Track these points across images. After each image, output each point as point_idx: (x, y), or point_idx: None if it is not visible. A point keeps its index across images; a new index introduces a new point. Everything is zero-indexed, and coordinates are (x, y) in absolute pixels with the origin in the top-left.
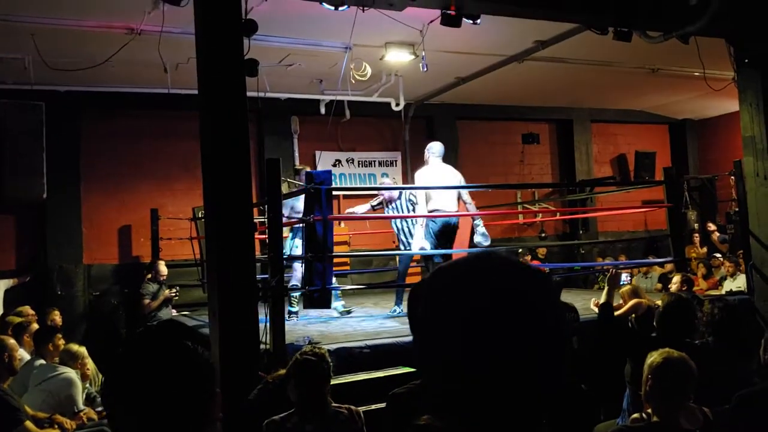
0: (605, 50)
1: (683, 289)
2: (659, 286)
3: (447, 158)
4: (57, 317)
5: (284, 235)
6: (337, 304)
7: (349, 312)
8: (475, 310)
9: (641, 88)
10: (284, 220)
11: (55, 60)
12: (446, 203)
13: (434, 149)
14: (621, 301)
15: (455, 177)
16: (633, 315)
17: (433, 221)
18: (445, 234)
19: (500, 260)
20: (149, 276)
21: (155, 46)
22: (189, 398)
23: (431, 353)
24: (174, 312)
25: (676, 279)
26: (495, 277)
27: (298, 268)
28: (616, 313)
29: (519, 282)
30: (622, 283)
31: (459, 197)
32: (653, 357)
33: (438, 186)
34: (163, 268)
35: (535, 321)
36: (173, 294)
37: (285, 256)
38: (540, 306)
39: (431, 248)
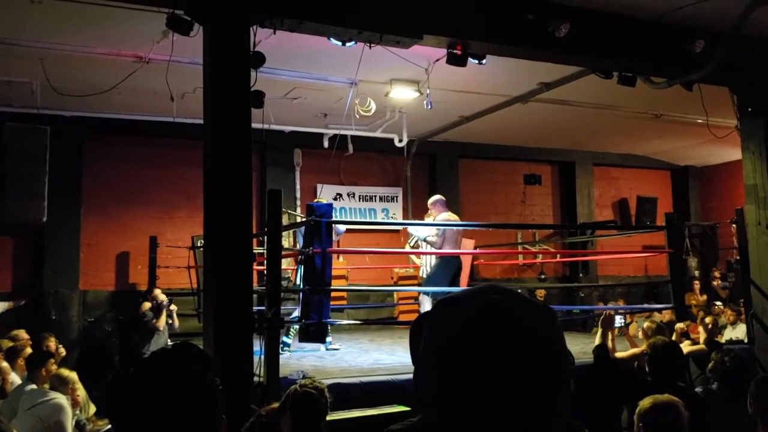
0: (609, 94)
1: (705, 337)
2: None
3: (449, 196)
4: (52, 343)
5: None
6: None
7: (336, 349)
8: (478, 343)
9: (644, 133)
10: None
11: (62, 85)
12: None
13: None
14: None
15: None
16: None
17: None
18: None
19: (504, 293)
20: (148, 306)
21: (163, 75)
22: (196, 422)
23: (432, 385)
24: (169, 342)
25: (701, 330)
26: (498, 310)
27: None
28: (619, 354)
29: (523, 315)
30: (616, 325)
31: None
32: (642, 403)
33: (451, 224)
34: (157, 294)
35: (538, 354)
36: (169, 303)
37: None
38: (544, 339)
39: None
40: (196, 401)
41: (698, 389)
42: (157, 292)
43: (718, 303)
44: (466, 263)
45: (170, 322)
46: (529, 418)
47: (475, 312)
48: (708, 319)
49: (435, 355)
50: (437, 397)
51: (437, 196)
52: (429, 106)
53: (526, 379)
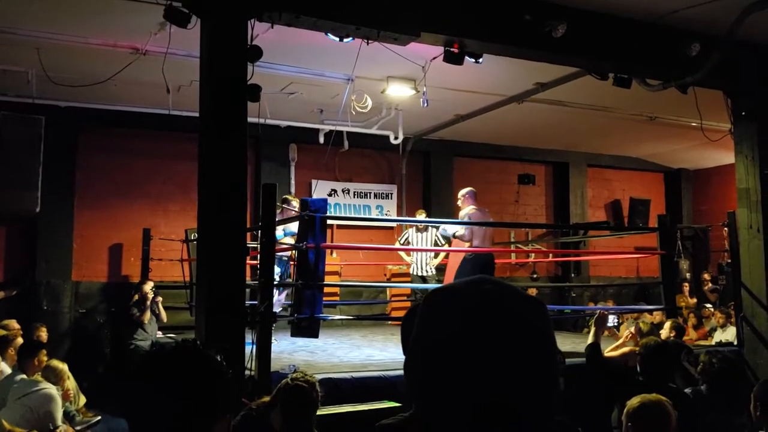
0: (604, 95)
1: (672, 335)
2: None
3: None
4: (43, 333)
5: None
6: None
7: None
8: (471, 334)
9: (638, 135)
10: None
11: (58, 75)
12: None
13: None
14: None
15: None
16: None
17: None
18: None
19: (495, 284)
20: (136, 297)
21: (159, 67)
22: (204, 411)
23: (423, 376)
24: (160, 333)
25: (667, 325)
26: (491, 301)
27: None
28: (610, 354)
29: (514, 306)
30: (609, 324)
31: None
32: (630, 402)
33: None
34: (147, 288)
35: (530, 345)
36: (153, 294)
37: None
38: (535, 330)
39: None
40: (211, 395)
41: (687, 390)
42: (146, 284)
43: (709, 305)
44: (458, 262)
45: (157, 312)
46: (521, 409)
47: (467, 303)
48: (668, 324)
49: (428, 346)
50: (429, 388)
51: (469, 189)
52: (425, 104)
53: (519, 370)
